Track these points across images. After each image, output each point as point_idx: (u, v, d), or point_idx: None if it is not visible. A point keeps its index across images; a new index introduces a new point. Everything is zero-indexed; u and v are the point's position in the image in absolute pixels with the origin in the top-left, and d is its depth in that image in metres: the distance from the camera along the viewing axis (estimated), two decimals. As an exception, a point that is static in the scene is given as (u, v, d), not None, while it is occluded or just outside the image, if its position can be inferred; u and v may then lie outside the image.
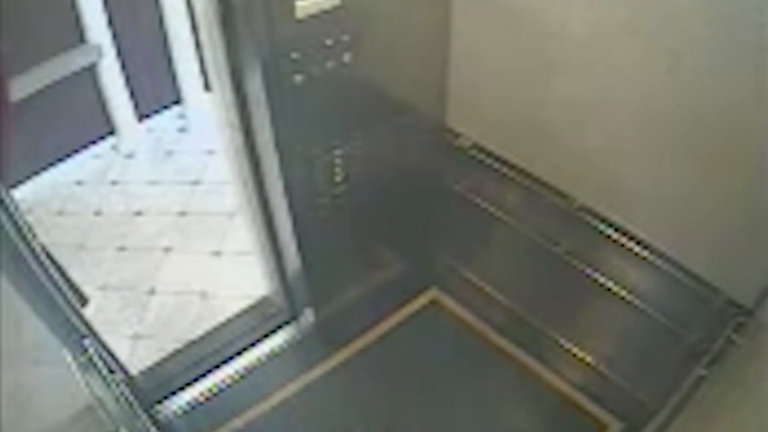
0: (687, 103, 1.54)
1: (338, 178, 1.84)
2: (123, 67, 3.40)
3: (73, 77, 3.19)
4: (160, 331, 2.62)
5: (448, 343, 2.44)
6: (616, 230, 1.89)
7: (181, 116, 3.84)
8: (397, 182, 2.21)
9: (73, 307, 1.65)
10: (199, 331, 2.51)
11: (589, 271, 2.02)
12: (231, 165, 2.10)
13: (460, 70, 2.10)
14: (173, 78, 3.70)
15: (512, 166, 2.10)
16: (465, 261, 2.52)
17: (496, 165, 2.12)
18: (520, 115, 1.96)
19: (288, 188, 1.90)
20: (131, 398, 1.67)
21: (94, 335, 1.77)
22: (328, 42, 1.71)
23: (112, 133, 3.57)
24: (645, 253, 1.84)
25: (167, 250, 3.00)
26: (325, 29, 1.69)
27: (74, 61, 3.17)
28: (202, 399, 2.29)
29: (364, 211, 2.19)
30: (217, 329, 2.50)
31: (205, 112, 3.77)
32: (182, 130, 3.78)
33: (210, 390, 2.31)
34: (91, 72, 3.30)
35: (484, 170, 2.14)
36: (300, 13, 1.62)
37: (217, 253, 2.96)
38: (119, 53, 3.35)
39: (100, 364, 1.64)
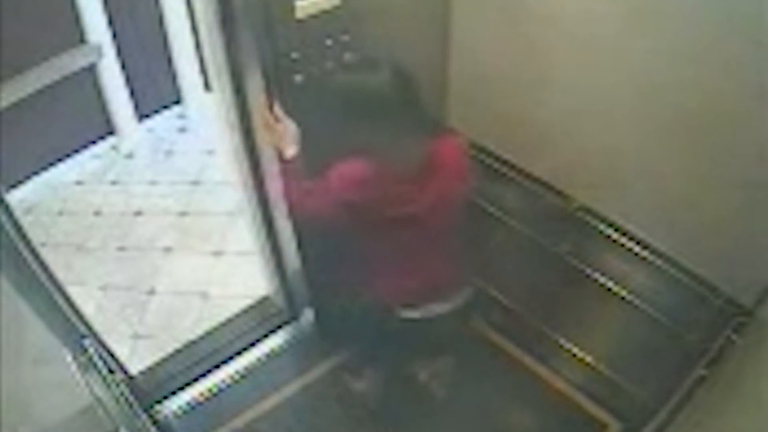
0: (688, 103, 1.54)
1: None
2: (123, 67, 3.40)
3: (73, 77, 3.19)
4: (160, 331, 2.62)
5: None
6: (616, 230, 1.89)
7: (181, 116, 3.84)
8: (397, 182, 2.20)
9: (73, 307, 1.65)
10: (199, 331, 2.51)
11: (589, 271, 2.02)
12: (231, 165, 2.10)
13: (459, 70, 2.10)
14: (173, 78, 3.71)
15: (512, 166, 2.10)
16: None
17: (496, 165, 2.13)
18: (520, 115, 1.96)
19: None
20: (131, 398, 1.67)
21: (94, 335, 1.77)
22: (328, 42, 1.71)
23: (112, 133, 3.58)
24: (645, 253, 1.84)
25: (167, 250, 3.00)
26: (325, 29, 1.69)
27: (74, 61, 3.18)
28: (202, 399, 2.29)
29: (364, 211, 2.18)
30: (217, 329, 2.50)
31: (205, 112, 3.78)
32: (182, 130, 3.78)
33: (210, 390, 2.31)
34: (91, 72, 3.30)
35: (484, 170, 2.14)
36: (300, 13, 1.62)
37: (217, 253, 2.96)
38: (119, 53, 3.35)
39: (100, 364, 1.64)
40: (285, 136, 1.63)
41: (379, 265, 1.71)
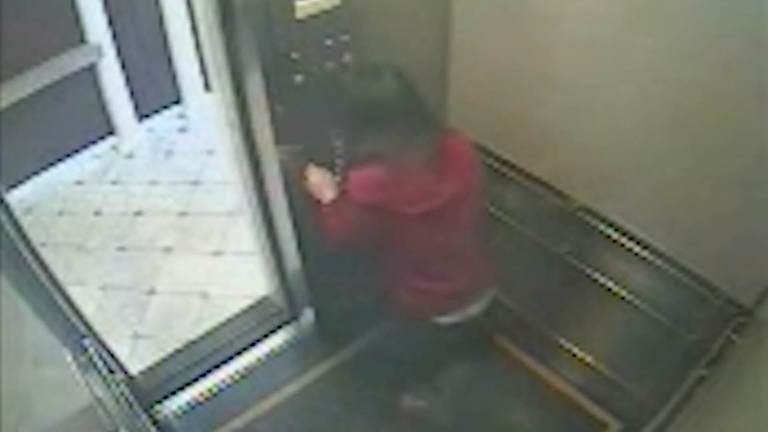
0: (688, 103, 1.54)
1: (338, 179, 1.84)
2: (123, 67, 3.40)
3: (73, 77, 3.19)
4: (160, 331, 2.62)
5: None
6: (616, 230, 1.89)
7: (181, 116, 3.84)
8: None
9: (73, 307, 1.65)
10: (199, 331, 2.51)
11: (589, 271, 2.02)
12: (231, 165, 2.10)
13: (460, 71, 2.10)
14: (173, 78, 3.70)
15: (512, 166, 2.10)
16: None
17: (496, 165, 2.13)
18: (521, 115, 1.96)
19: (288, 188, 1.90)
20: (131, 398, 1.67)
21: (94, 335, 1.77)
22: (328, 42, 1.71)
23: (112, 133, 3.58)
24: (645, 253, 1.84)
25: (167, 250, 3.00)
26: (325, 29, 1.69)
27: (74, 61, 3.18)
28: (202, 399, 2.29)
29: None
30: (217, 329, 2.50)
31: (205, 112, 3.78)
32: (182, 130, 3.78)
33: (210, 390, 2.31)
34: (91, 72, 3.30)
35: (484, 170, 2.14)
36: (300, 13, 1.62)
37: (217, 253, 2.96)
38: (119, 53, 3.35)
39: (100, 364, 1.64)
40: (322, 186, 1.70)
41: (411, 272, 1.71)
